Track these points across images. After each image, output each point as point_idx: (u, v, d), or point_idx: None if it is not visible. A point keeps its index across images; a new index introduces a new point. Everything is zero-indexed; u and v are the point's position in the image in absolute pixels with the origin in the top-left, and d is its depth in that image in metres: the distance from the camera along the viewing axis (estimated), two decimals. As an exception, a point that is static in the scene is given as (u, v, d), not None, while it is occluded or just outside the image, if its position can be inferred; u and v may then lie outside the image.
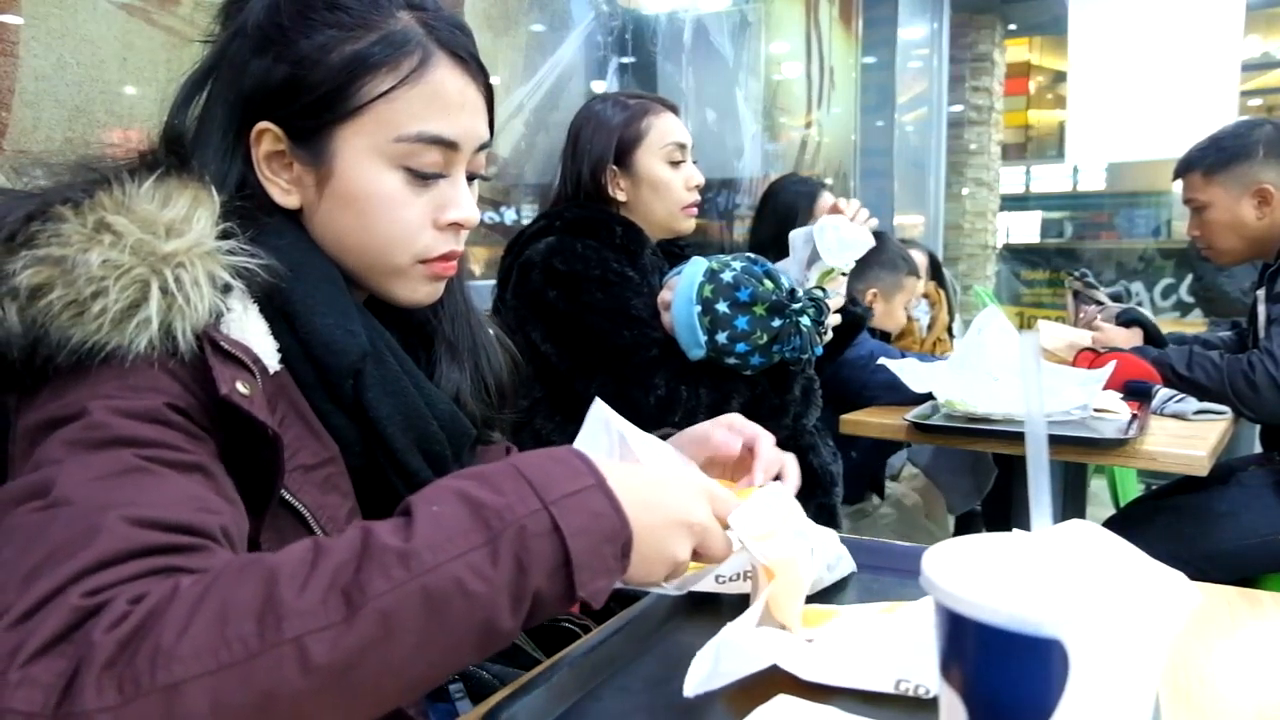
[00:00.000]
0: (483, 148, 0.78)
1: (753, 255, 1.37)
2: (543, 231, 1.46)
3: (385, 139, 0.71)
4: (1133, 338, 2.13)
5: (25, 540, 0.49)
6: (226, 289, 0.63)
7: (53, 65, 1.24)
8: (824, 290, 1.36)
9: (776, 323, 1.29)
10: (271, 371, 0.67)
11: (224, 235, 0.64)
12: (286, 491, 0.64)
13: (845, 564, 0.83)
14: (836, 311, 1.43)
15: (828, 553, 0.80)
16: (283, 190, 0.73)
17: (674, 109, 1.57)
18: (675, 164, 1.53)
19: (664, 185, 1.51)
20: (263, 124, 0.71)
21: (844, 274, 1.44)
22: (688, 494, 0.61)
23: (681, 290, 1.31)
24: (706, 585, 0.69)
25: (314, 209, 0.74)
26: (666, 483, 0.60)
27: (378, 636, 0.45)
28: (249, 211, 0.69)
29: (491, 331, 0.91)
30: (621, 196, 1.52)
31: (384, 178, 0.72)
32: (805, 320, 1.30)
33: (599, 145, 1.51)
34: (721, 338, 1.29)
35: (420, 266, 0.76)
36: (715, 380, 1.34)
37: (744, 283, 1.29)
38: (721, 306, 1.28)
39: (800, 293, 1.32)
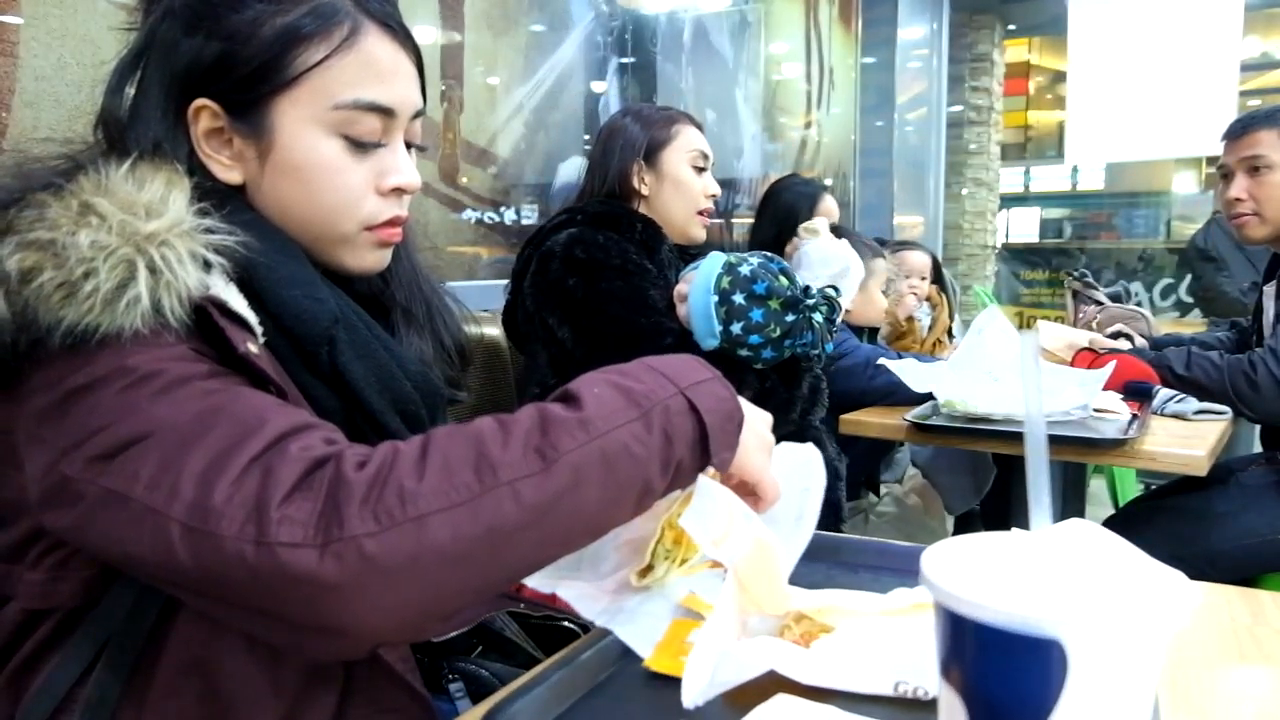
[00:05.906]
0: (417, 115, 0.79)
1: (769, 254, 1.40)
2: (565, 224, 1.52)
3: (323, 107, 0.72)
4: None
5: (174, 449, 0.53)
6: (207, 267, 0.64)
7: (53, 65, 1.24)
8: (836, 289, 1.38)
9: (790, 317, 1.32)
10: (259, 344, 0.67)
11: (199, 215, 0.65)
12: None
13: (815, 485, 0.74)
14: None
15: (804, 504, 0.74)
16: (224, 167, 0.74)
17: (699, 126, 1.68)
18: (698, 170, 1.62)
19: (685, 185, 1.60)
20: (200, 101, 0.72)
21: (834, 288, 1.44)
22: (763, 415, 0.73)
23: (699, 281, 1.34)
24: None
25: (258, 183, 0.74)
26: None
27: (570, 484, 0.54)
28: (220, 191, 0.70)
29: (447, 299, 0.93)
30: (645, 191, 1.60)
31: (324, 145, 0.73)
32: (818, 317, 1.33)
33: (631, 141, 1.60)
34: (736, 329, 1.31)
35: (366, 234, 0.78)
36: (727, 371, 1.34)
37: (760, 277, 1.32)
38: (738, 298, 1.30)
39: (814, 290, 1.34)
